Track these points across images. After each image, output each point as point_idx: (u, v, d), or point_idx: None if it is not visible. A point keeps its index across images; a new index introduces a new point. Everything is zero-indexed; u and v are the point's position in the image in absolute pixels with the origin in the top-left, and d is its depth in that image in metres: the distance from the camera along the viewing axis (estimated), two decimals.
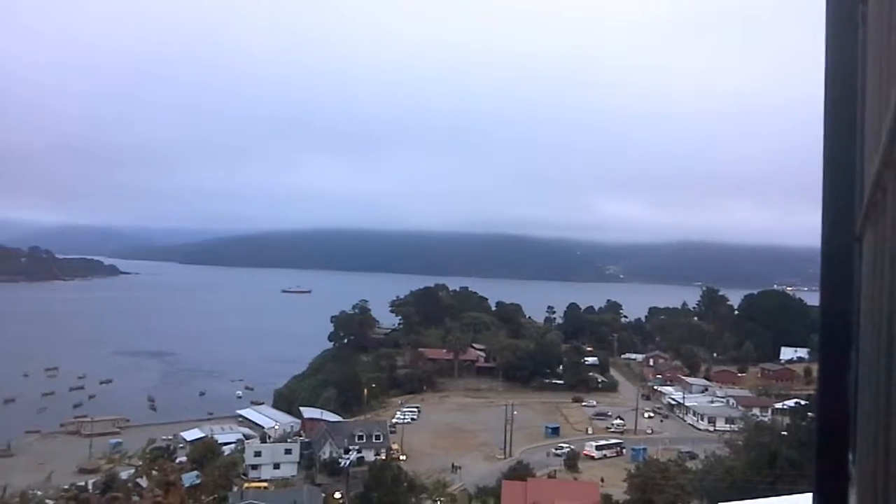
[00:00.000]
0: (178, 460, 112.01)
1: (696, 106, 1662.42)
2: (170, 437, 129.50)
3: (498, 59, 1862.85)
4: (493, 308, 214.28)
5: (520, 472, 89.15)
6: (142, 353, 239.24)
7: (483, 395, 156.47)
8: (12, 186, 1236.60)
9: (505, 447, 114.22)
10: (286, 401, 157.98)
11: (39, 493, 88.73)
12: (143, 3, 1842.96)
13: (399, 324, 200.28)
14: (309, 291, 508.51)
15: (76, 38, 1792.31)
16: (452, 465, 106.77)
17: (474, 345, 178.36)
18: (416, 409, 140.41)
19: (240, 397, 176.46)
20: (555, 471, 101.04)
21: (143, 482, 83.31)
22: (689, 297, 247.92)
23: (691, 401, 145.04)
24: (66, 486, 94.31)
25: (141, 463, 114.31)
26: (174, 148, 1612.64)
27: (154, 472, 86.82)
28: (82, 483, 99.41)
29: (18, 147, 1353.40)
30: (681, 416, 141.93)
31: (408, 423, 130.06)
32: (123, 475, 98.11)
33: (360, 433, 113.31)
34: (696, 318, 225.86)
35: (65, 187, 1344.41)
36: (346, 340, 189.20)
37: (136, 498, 70.11)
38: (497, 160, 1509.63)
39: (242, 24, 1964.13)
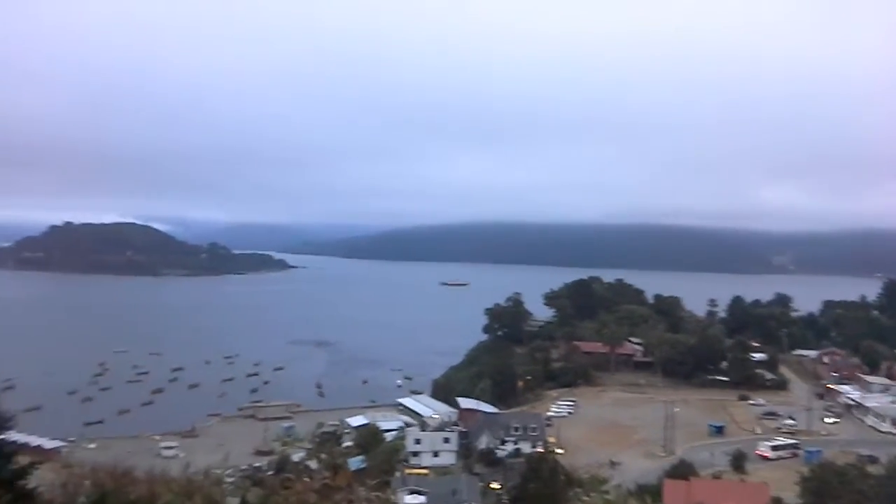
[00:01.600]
0: (344, 445, 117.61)
1: (876, 80, 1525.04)
2: (336, 423, 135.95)
3: (652, 44, 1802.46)
4: (651, 301, 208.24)
5: (682, 471, 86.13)
6: (310, 343, 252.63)
7: (641, 391, 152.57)
8: (194, 189, 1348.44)
9: (665, 444, 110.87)
10: (443, 391, 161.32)
11: (219, 471, 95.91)
12: (311, 9, 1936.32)
13: (553, 316, 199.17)
14: (467, 284, 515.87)
15: (254, 46, 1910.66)
16: (610, 461, 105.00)
17: (631, 339, 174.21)
18: (571, 403, 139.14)
19: (399, 386, 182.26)
20: (720, 471, 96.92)
21: (313, 464, 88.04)
22: (868, 289, 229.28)
23: (871, 401, 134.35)
24: (243, 466, 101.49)
25: (311, 446, 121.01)
26: (337, 148, 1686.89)
27: (323, 456, 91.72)
28: (258, 464, 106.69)
29: (200, 152, 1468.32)
30: (859, 417, 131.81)
31: (564, 416, 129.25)
32: (295, 458, 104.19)
33: (517, 425, 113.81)
34: (876, 312, 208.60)
35: (239, 188, 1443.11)
36: (500, 332, 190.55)
37: (306, 479, 74.42)
38: (652, 148, 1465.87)
39: (396, 22, 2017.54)
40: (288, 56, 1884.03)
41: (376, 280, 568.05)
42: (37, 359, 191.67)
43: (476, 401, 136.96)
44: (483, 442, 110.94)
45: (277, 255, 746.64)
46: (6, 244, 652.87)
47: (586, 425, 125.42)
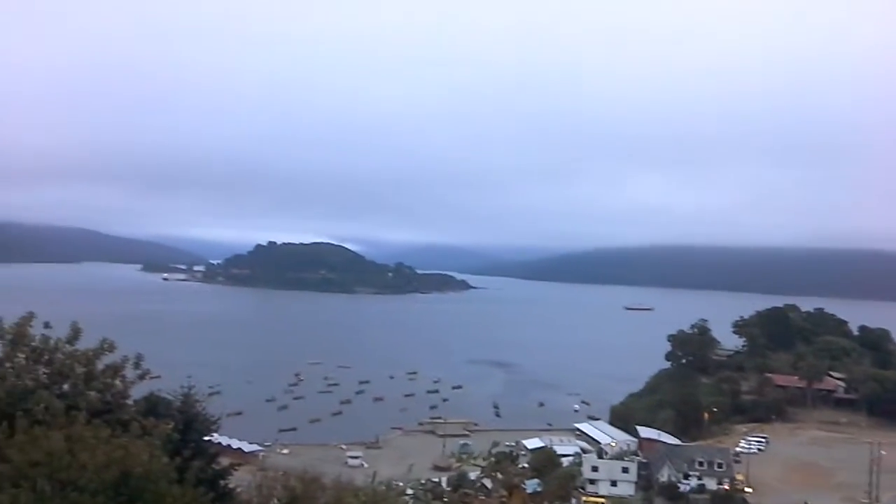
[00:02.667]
0: (519, 466, 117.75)
1: None
2: (512, 444, 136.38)
3: (858, 59, 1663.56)
4: (855, 333, 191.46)
5: None
6: (488, 363, 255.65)
7: (842, 430, 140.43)
8: (384, 211, 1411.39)
9: (870, 490, 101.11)
10: (622, 418, 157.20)
11: (401, 484, 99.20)
12: (488, 34, 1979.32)
13: (743, 346, 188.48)
14: (651, 309, 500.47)
15: (438, 72, 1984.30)
16: None
17: (831, 373, 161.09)
18: (762, 439, 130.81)
19: (576, 411, 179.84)
20: None
21: (489, 483, 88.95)
22: None
23: None
24: (423, 481, 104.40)
25: (486, 464, 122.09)
26: (520, 170, 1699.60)
27: (498, 475, 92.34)
28: (436, 479, 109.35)
29: (390, 176, 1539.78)
30: None
31: (753, 453, 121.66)
32: (471, 475, 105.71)
33: (701, 459, 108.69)
34: None
35: (425, 210, 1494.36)
36: (684, 360, 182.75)
37: (483, 497, 75.39)
38: (855, 168, 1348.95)
39: (573, 45, 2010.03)
40: (470, 81, 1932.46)
41: (556, 302, 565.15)
42: (240, 367, 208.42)
43: (657, 431, 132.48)
44: (664, 474, 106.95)
45: (459, 276, 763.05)
46: (218, 261, 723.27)
47: (779, 464, 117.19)
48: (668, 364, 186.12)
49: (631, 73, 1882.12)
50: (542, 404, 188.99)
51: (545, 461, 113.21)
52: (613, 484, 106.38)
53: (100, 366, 24.11)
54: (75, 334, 24.19)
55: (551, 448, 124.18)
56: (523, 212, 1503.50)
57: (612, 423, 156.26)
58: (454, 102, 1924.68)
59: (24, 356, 23.39)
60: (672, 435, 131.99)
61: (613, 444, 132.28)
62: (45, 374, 23.31)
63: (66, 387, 23.24)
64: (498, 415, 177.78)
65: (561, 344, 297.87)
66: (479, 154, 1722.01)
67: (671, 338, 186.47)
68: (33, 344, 23.44)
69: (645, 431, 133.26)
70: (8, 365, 23.22)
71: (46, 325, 24.23)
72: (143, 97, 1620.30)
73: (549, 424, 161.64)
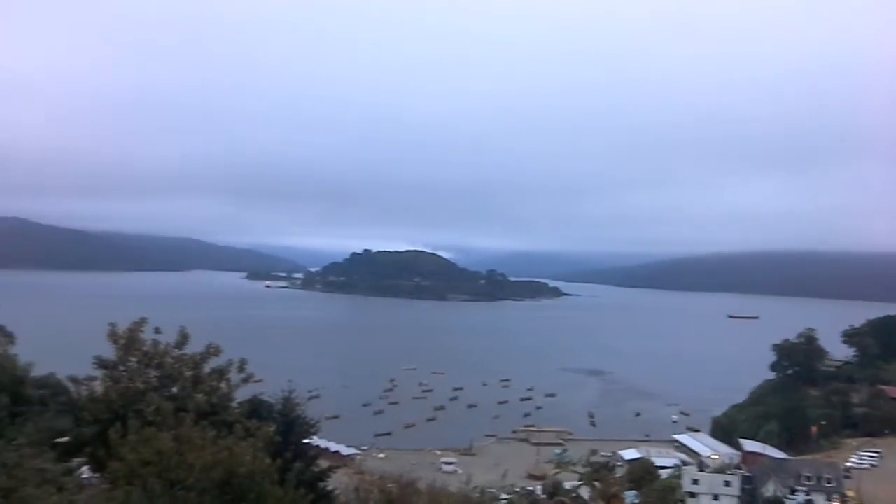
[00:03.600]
0: (616, 477, 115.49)
1: None
2: (608, 454, 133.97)
3: None
4: None
5: None
6: (582, 371, 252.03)
7: None
8: (474, 218, 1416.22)
9: None
10: (724, 430, 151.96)
11: (494, 490, 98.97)
12: (583, 37, 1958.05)
13: (853, 356, 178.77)
14: (756, 317, 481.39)
15: (529, 78, 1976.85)
16: None
17: None
18: (875, 454, 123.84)
19: (675, 422, 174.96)
20: None
21: (584, 493, 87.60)
22: None
23: None
24: (516, 488, 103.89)
25: (584, 473, 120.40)
26: (613, 176, 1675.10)
27: (596, 484, 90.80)
28: (531, 487, 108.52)
29: (482, 185, 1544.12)
30: None
31: (865, 468, 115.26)
32: (566, 485, 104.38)
33: (809, 474, 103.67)
34: None
35: (517, 217, 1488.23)
36: (790, 371, 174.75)
37: None
38: None
39: (672, 46, 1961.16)
40: (562, 87, 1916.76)
41: (653, 309, 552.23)
42: (338, 372, 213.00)
43: (761, 444, 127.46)
44: (769, 489, 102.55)
45: (552, 283, 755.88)
46: (316, 269, 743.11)
47: (894, 480, 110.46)
48: (773, 375, 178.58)
49: (732, 75, 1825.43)
50: (638, 414, 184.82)
51: (643, 473, 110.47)
52: (715, 498, 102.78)
53: (206, 369, 25.21)
54: (183, 339, 25.38)
55: (649, 459, 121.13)
56: (618, 218, 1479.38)
57: (713, 436, 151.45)
58: (547, 109, 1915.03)
59: (136, 360, 24.70)
60: (777, 448, 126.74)
61: (715, 457, 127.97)
62: (155, 377, 24.53)
63: (174, 389, 24.39)
64: (593, 424, 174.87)
65: (659, 353, 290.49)
66: (571, 160, 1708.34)
67: (776, 347, 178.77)
68: (145, 348, 24.73)
69: (748, 444, 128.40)
70: (121, 368, 24.56)
71: (157, 331, 25.51)
72: (246, 113, 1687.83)
73: (647, 435, 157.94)
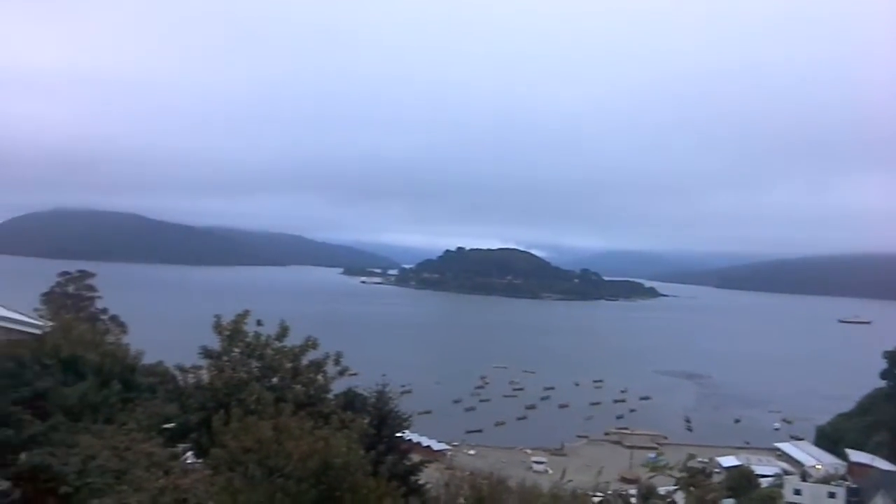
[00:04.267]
0: (714, 483, 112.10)
1: None
2: (705, 460, 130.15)
3: None
4: None
5: None
6: (678, 374, 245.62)
7: None
8: (569, 217, 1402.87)
9: None
10: (829, 440, 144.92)
11: (588, 492, 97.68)
12: (675, 38, 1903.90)
13: None
14: (868, 322, 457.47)
15: (624, 77, 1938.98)
16: None
17: None
18: None
19: (777, 430, 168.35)
20: None
21: (679, 498, 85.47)
22: None
23: None
24: (609, 491, 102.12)
25: (679, 477, 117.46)
26: (712, 174, 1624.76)
27: (692, 489, 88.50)
28: (623, 491, 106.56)
29: (575, 182, 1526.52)
30: None
31: None
32: (660, 489, 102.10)
33: None
34: None
35: (611, 216, 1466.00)
36: None
37: None
38: None
39: (758, 42, 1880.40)
40: (658, 84, 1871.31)
41: (754, 312, 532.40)
42: (430, 368, 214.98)
43: (870, 455, 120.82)
44: (877, 503, 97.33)
45: (648, 283, 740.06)
46: (410, 266, 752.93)
47: None
48: (883, 383, 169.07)
49: (835, 71, 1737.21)
50: (738, 420, 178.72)
51: (742, 480, 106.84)
52: None
53: (304, 362, 26.02)
54: (283, 332, 26.29)
55: (749, 467, 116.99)
56: (716, 217, 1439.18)
57: (817, 445, 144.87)
58: (641, 105, 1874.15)
59: (239, 351, 25.75)
60: (887, 460, 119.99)
61: (819, 467, 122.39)
62: (256, 367, 25.49)
63: (274, 380, 25.28)
64: (689, 429, 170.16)
65: (761, 357, 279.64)
66: (666, 158, 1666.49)
67: (888, 354, 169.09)
68: (247, 340, 25.74)
69: (856, 455, 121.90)
70: (225, 359, 25.63)
71: (258, 323, 26.50)
72: (343, 114, 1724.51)
73: (747, 442, 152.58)
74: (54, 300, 75.33)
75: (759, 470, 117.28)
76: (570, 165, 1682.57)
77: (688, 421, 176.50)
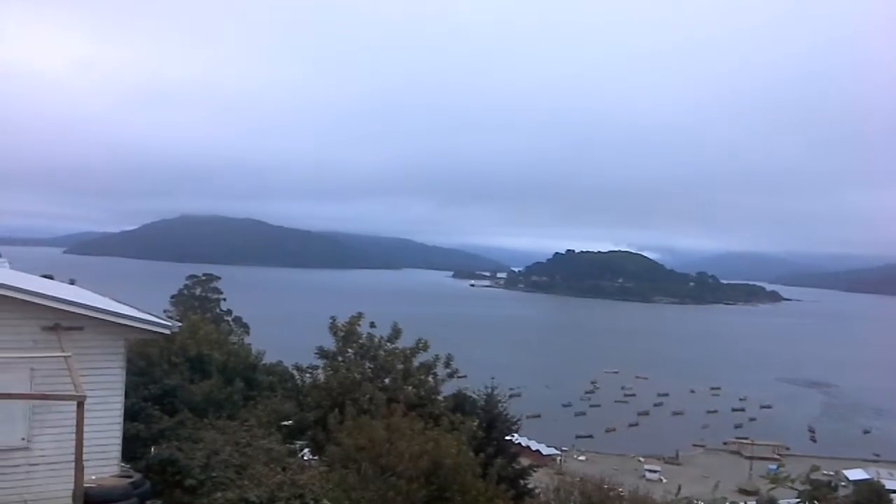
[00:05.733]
0: (841, 497, 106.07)
1: None
2: (831, 473, 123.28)
3: None
4: None
5: None
6: (802, 382, 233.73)
7: None
8: (683, 218, 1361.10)
9: None
10: None
11: (703, 502, 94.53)
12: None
13: None
14: None
15: (731, 74, 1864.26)
16: None
17: None
18: None
19: None
20: None
21: None
22: None
23: None
24: (728, 503, 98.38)
25: (802, 490, 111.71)
26: (827, 172, 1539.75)
27: (816, 503, 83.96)
28: (741, 503, 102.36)
29: (689, 182, 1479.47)
30: None
31: None
32: (782, 502, 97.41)
33: None
34: None
35: (729, 217, 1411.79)
36: None
37: None
38: None
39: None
40: (777, 80, 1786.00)
41: (885, 317, 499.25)
42: (539, 371, 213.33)
43: None
44: None
45: (769, 287, 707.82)
46: (519, 269, 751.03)
47: None
48: None
49: None
50: (867, 431, 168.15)
51: (871, 495, 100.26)
52: None
53: (415, 363, 26.54)
54: (396, 334, 26.92)
55: (879, 481, 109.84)
56: (845, 216, 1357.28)
57: None
58: (759, 102, 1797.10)
59: (353, 352, 26.55)
60: None
61: None
62: (369, 368, 26.21)
63: (386, 381, 25.90)
64: (814, 440, 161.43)
65: (894, 366, 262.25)
66: (783, 155, 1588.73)
67: None
68: (361, 341, 26.52)
69: None
70: (340, 359, 26.49)
71: (372, 325, 27.25)
72: (452, 121, 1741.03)
73: (877, 455, 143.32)
74: (182, 302, 79.59)
75: (889, 484, 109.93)
76: (684, 165, 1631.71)
77: (812, 431, 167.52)
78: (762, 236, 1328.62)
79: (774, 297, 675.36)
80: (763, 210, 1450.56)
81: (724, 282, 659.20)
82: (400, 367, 26.15)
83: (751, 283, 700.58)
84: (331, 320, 26.77)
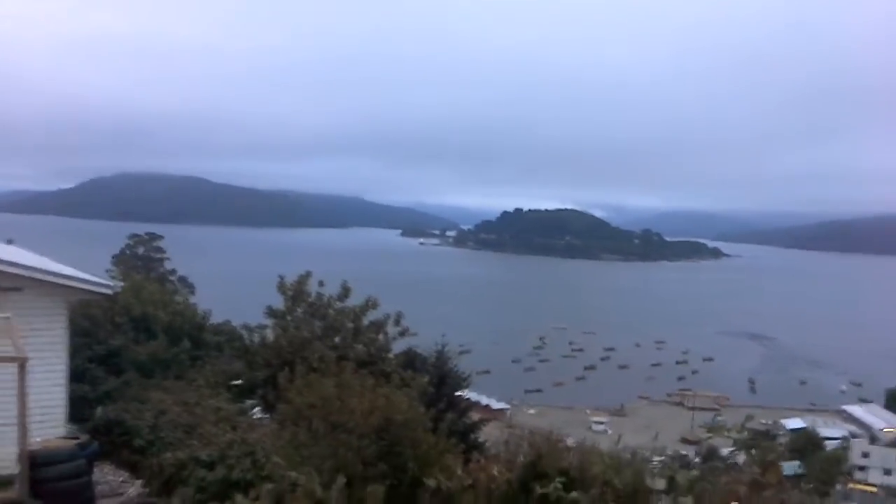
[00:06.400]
0: (777, 445, 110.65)
1: None
2: (768, 423, 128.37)
3: None
4: None
5: None
6: (742, 335, 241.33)
7: None
8: (629, 177, 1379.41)
9: None
10: None
11: (647, 452, 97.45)
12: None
13: None
14: None
15: (692, 38, 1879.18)
16: None
17: None
18: None
19: (844, 392, 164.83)
20: None
21: (740, 459, 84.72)
22: None
23: None
24: (669, 452, 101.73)
25: (740, 438, 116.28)
26: (777, 132, 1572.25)
27: (753, 451, 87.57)
28: (684, 452, 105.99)
29: (635, 142, 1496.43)
30: None
31: None
32: (723, 451, 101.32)
33: None
34: None
35: (673, 175, 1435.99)
36: None
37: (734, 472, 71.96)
38: None
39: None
40: (720, 43, 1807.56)
41: (825, 273, 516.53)
42: (488, 328, 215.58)
43: None
44: None
45: (711, 244, 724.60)
46: (468, 227, 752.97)
47: None
48: None
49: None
50: (803, 382, 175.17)
51: (806, 443, 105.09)
52: (887, 472, 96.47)
53: (365, 322, 26.44)
54: (345, 292, 26.73)
55: (813, 430, 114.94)
56: (783, 175, 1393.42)
57: (888, 408, 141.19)
58: (700, 62, 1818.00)
59: (302, 310, 26.31)
60: None
61: (889, 430, 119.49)
62: (319, 327, 26.01)
63: (336, 339, 25.75)
64: (753, 391, 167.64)
65: (830, 319, 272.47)
66: (726, 115, 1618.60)
67: None
68: (310, 300, 26.27)
69: None
70: (289, 318, 26.23)
71: (320, 284, 26.98)
72: (399, 77, 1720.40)
73: (812, 405, 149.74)
74: (125, 262, 77.69)
75: (824, 432, 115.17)
76: (631, 124, 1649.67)
77: (752, 383, 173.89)
78: (705, 195, 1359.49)
79: (716, 253, 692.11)
80: (706, 169, 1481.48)
81: (669, 239, 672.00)
82: (350, 325, 26.03)
83: (694, 240, 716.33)
84: (279, 279, 26.44)
